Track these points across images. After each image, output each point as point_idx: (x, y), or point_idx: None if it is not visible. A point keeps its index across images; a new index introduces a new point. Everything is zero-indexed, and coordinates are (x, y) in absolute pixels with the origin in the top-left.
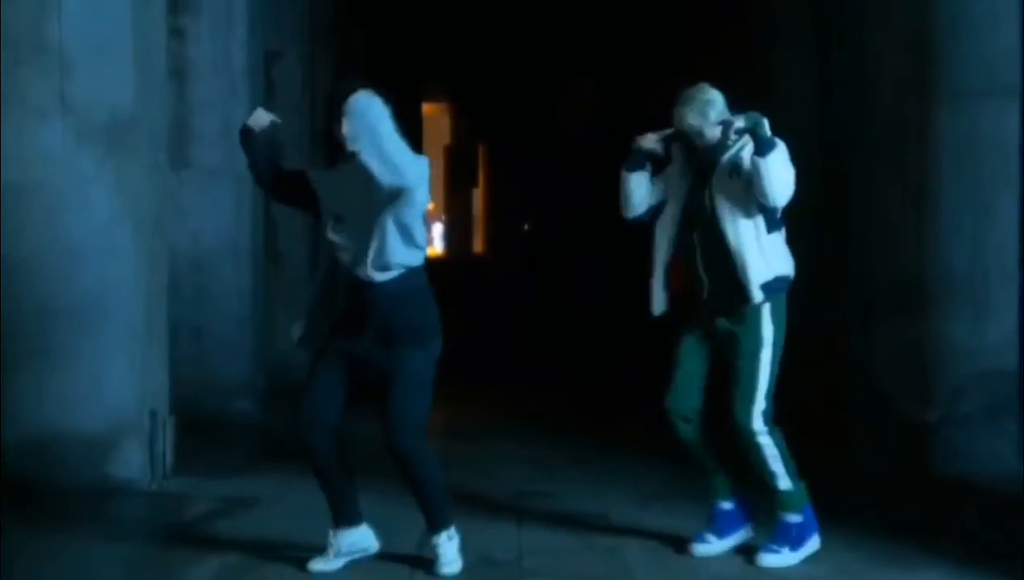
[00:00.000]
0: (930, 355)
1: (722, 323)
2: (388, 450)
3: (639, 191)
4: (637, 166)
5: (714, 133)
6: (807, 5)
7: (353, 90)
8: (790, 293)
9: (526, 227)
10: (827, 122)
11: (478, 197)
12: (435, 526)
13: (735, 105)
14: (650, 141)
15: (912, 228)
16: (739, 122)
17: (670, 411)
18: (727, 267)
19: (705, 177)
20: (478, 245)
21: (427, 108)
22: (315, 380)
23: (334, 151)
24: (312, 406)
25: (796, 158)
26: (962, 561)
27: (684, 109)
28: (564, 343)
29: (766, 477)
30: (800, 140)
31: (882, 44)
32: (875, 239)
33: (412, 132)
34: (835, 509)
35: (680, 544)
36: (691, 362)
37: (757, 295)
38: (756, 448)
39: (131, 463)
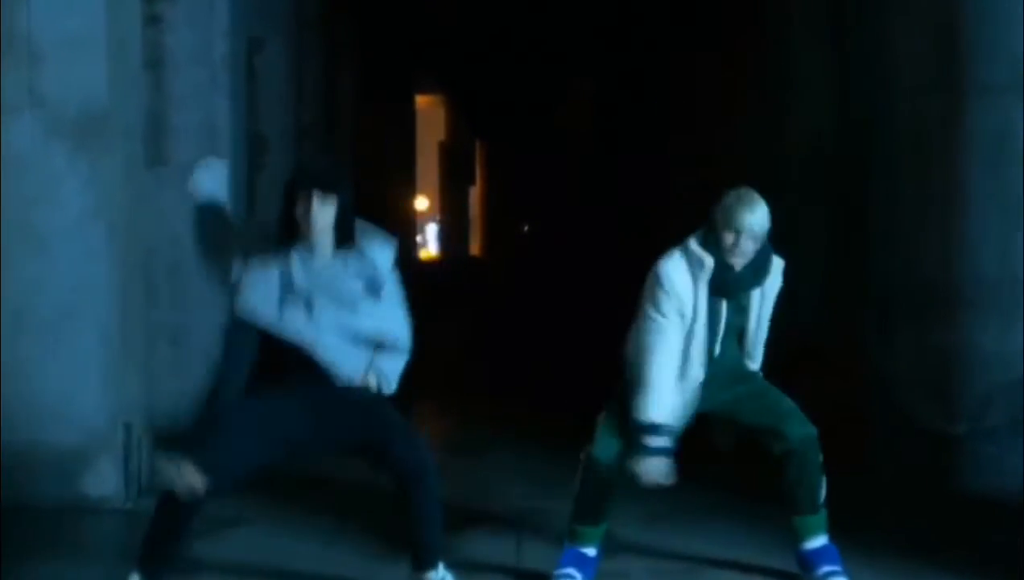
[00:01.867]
0: (954, 364)
1: None
2: (420, 470)
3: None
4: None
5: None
6: None
7: (324, 172)
8: None
9: (526, 228)
10: (846, 120)
11: (475, 196)
12: (435, 559)
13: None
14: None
15: (937, 230)
16: None
17: None
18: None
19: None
20: (475, 247)
21: (421, 101)
22: None
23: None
24: None
25: (814, 160)
26: None
27: (753, 210)
28: (566, 351)
29: (817, 494)
30: (818, 139)
31: (904, 36)
32: (897, 242)
33: (405, 126)
34: (854, 527)
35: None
36: None
37: None
38: (818, 454)
39: (105, 480)
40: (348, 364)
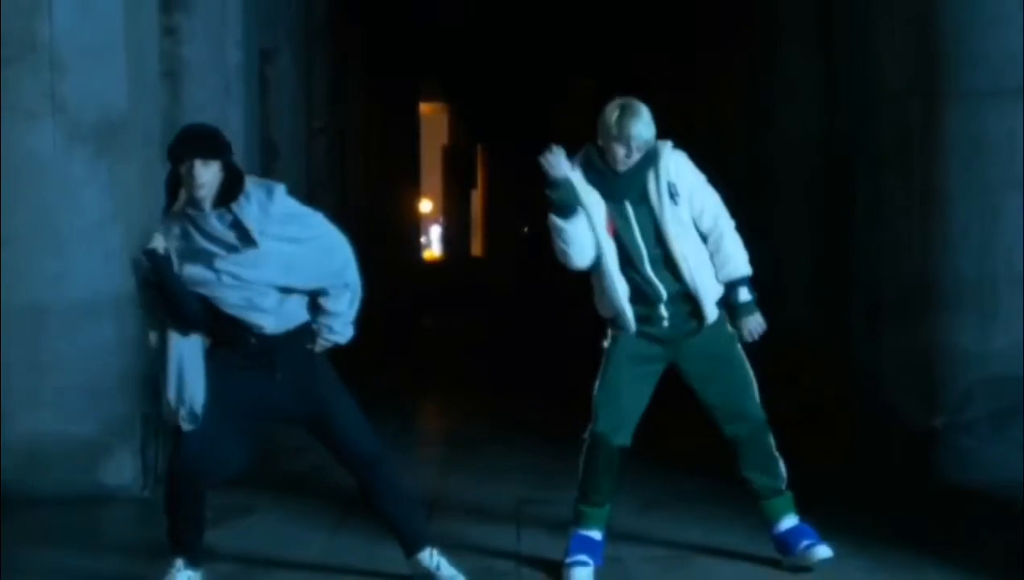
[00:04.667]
0: (936, 361)
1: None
2: (365, 465)
3: (585, 235)
4: (572, 210)
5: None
6: (812, 5)
7: (204, 139)
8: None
9: (526, 229)
10: (832, 124)
11: (476, 199)
12: (421, 541)
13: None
14: (565, 167)
15: (919, 231)
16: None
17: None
18: (682, 286)
19: (638, 199)
20: (476, 248)
21: (424, 108)
22: None
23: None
24: None
25: (801, 160)
26: (969, 568)
27: (633, 120)
28: (565, 348)
29: (776, 476)
30: (805, 142)
31: (887, 42)
32: (881, 243)
33: (410, 132)
34: (840, 516)
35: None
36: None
37: (713, 312)
38: (767, 439)
39: (123, 469)
40: (261, 316)
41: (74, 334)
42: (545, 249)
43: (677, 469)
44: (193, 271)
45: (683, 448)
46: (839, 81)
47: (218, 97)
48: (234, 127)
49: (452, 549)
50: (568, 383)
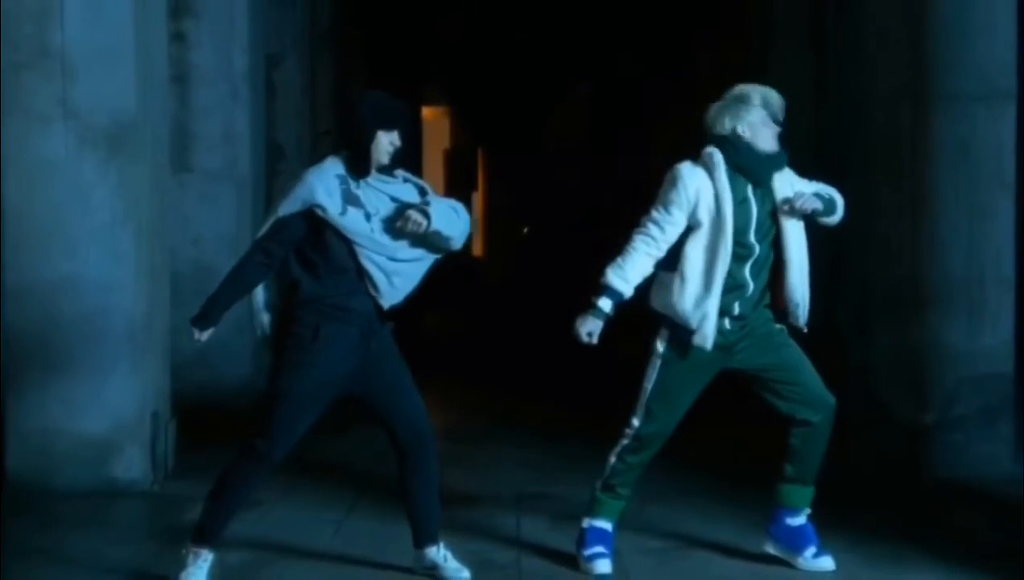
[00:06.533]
0: (926, 359)
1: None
2: (420, 443)
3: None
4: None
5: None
6: (804, 9)
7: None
8: None
9: (526, 230)
10: (823, 126)
11: (477, 200)
12: (434, 535)
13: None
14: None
15: (908, 233)
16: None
17: None
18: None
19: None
20: (477, 248)
21: (427, 112)
22: None
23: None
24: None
25: (792, 163)
26: (959, 563)
27: (781, 103)
28: (562, 345)
29: (818, 465)
30: (796, 144)
31: (878, 48)
32: (871, 244)
33: (412, 136)
34: (833, 511)
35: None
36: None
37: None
38: (829, 432)
39: (133, 465)
40: (388, 288)
41: (84, 333)
42: (543, 249)
43: (679, 463)
44: (354, 220)
45: (686, 443)
46: (831, 84)
47: (225, 101)
48: (241, 130)
49: (454, 541)
50: (567, 381)
